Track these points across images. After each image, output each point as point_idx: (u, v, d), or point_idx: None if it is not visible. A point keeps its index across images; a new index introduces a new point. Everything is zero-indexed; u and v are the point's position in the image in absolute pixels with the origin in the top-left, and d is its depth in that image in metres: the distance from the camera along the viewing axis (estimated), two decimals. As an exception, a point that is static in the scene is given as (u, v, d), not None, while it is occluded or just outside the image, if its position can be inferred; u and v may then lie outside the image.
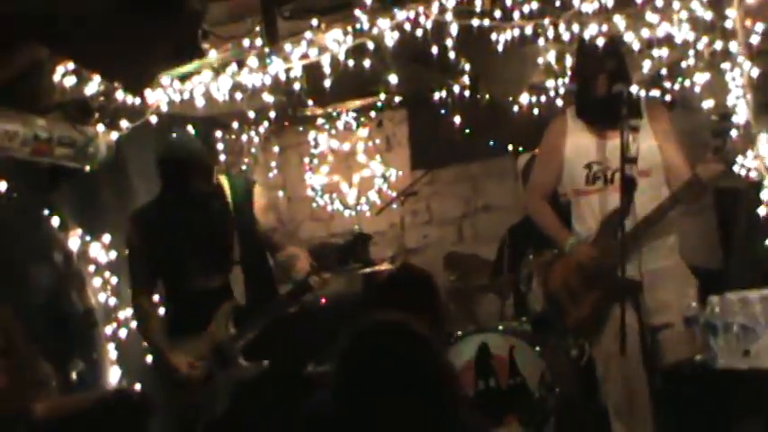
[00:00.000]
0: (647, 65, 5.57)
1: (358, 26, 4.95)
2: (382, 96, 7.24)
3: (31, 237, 5.62)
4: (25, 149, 5.17)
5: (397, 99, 7.80)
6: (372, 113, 8.45)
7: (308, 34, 5.02)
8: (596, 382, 4.92)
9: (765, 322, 4.02)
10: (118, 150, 5.87)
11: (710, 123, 4.87)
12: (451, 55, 5.18)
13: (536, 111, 6.89)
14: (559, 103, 6.59)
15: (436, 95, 7.05)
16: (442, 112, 7.20)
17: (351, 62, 5.15)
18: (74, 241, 5.84)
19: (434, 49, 5.08)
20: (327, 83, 5.19)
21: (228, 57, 5.19)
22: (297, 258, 4.84)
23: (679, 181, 4.56)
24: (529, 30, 5.01)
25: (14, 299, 4.97)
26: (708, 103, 5.31)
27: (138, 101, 5.44)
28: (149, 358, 5.48)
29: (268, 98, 5.59)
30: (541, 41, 5.25)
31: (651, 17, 4.91)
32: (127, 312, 5.79)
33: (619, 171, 4.37)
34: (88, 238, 5.92)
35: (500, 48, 5.16)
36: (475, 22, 4.92)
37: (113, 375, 5.88)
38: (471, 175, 8.51)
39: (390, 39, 4.94)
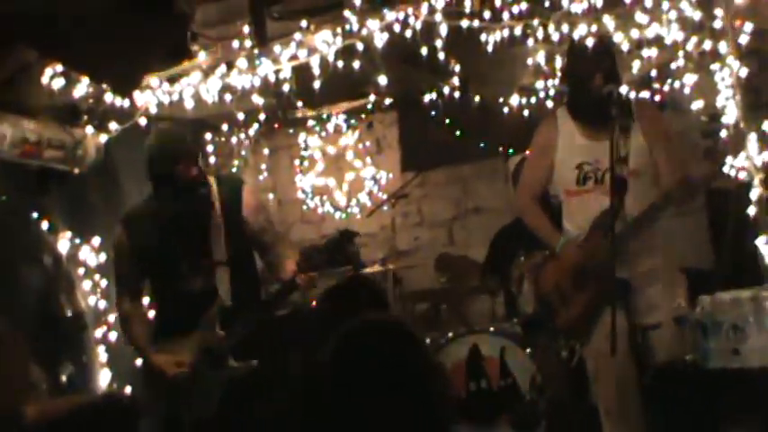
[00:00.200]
0: (636, 65, 5.57)
1: (347, 27, 4.96)
2: (372, 98, 7.24)
3: (21, 239, 5.60)
4: (14, 151, 5.16)
5: (387, 101, 7.80)
6: (362, 116, 8.45)
7: (297, 35, 5.02)
8: (587, 382, 4.91)
9: (755, 322, 4.02)
10: (107, 153, 5.85)
11: (700, 124, 4.88)
12: (441, 56, 5.19)
13: (526, 112, 6.89)
14: (549, 104, 6.60)
15: (426, 97, 7.05)
16: (432, 113, 7.20)
17: (340, 63, 5.14)
18: (63, 244, 5.83)
19: (424, 51, 5.08)
20: (317, 84, 5.19)
21: (218, 58, 5.18)
22: (285, 259, 4.83)
23: (669, 181, 4.56)
24: (518, 30, 5.02)
25: (4, 301, 4.95)
26: (697, 104, 5.31)
27: (126, 103, 5.44)
28: (138, 361, 5.47)
29: (258, 100, 5.58)
30: (531, 42, 5.25)
31: (640, 17, 4.92)
32: (116, 315, 5.78)
33: (609, 171, 4.37)
34: (78, 240, 5.90)
35: (490, 49, 5.17)
36: (464, 22, 4.93)
37: (103, 378, 5.87)
38: (462, 177, 8.52)
39: (380, 40, 4.94)
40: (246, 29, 5.04)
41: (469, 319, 7.17)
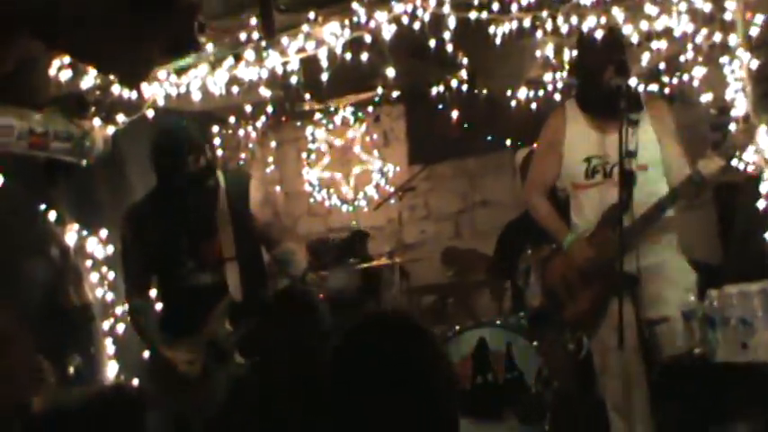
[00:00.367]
0: (645, 57, 5.55)
1: (355, 19, 4.93)
2: (380, 91, 7.23)
3: (28, 232, 5.60)
4: (21, 143, 5.15)
5: (395, 94, 7.80)
6: (370, 108, 8.45)
7: (305, 27, 5.00)
8: (594, 376, 4.90)
9: (764, 316, 4.00)
10: (114, 145, 5.85)
11: (709, 117, 4.85)
12: (449, 49, 5.17)
13: (534, 105, 6.87)
14: (558, 97, 6.58)
15: (434, 90, 7.04)
16: (440, 106, 7.19)
17: (348, 56, 5.13)
18: (71, 236, 5.82)
19: (432, 43, 5.07)
20: (324, 77, 5.17)
21: (225, 50, 5.16)
22: (294, 254, 4.82)
23: (678, 175, 4.54)
24: (527, 22, 5.00)
25: (11, 294, 4.95)
26: (706, 97, 5.29)
27: (134, 95, 5.43)
28: (146, 354, 5.47)
29: (265, 92, 5.57)
30: (539, 34, 5.23)
31: (650, 9, 4.90)
32: (124, 307, 5.77)
33: (618, 165, 4.35)
34: (85, 233, 5.90)
35: (498, 41, 5.14)
36: (473, 14, 4.91)
37: (111, 370, 5.87)
38: (469, 171, 8.51)
39: (388, 32, 4.92)
40: (254, 21, 5.02)
41: (476, 312, 7.17)
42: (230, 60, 5.22)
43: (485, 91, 6.99)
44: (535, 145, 5.33)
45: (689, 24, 5.01)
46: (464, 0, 4.86)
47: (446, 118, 7.26)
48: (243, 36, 5.10)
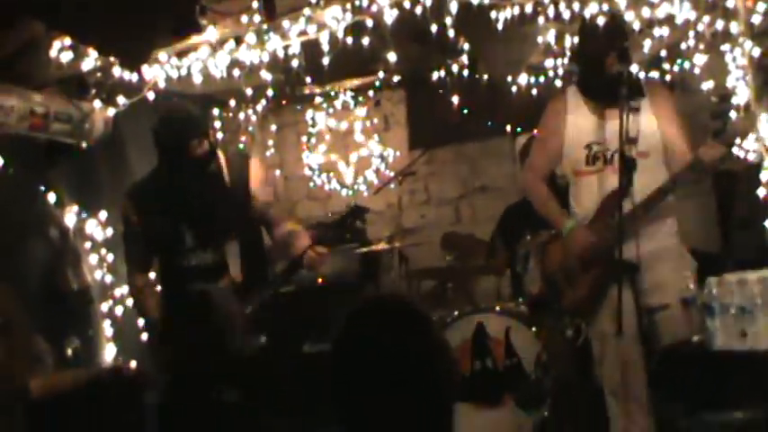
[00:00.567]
0: (647, 45, 5.54)
1: (357, 3, 4.92)
2: (380, 75, 7.21)
3: (27, 213, 5.60)
4: (22, 124, 5.15)
5: (396, 78, 7.78)
6: (370, 93, 8.43)
7: (306, 11, 4.99)
8: (592, 362, 4.91)
9: (763, 304, 4.01)
10: (115, 127, 5.84)
11: (710, 105, 4.85)
12: (451, 34, 5.16)
13: (535, 91, 6.87)
14: (558, 83, 6.57)
15: (435, 75, 7.02)
16: (441, 92, 7.18)
17: (349, 40, 5.12)
18: (70, 218, 5.83)
19: (434, 28, 5.06)
20: (326, 61, 5.17)
21: (226, 33, 5.15)
22: (296, 236, 4.81)
23: (678, 162, 4.53)
24: (529, 8, 4.99)
25: (10, 275, 4.95)
26: (707, 85, 5.29)
27: (135, 77, 5.42)
28: (144, 336, 5.48)
29: (266, 76, 5.56)
30: (541, 20, 5.22)
31: (652, -4, 4.90)
32: (123, 289, 5.78)
33: (618, 152, 4.35)
34: (84, 214, 5.91)
35: (499, 27, 5.14)
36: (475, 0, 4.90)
37: (109, 352, 5.88)
38: (469, 156, 8.51)
39: (389, 16, 4.91)
40: (255, 3, 5.01)
41: (475, 297, 7.17)
42: (232, 43, 5.21)
43: (486, 76, 6.97)
44: (535, 131, 5.32)
45: (691, 12, 5.01)
46: (466, -15, 4.85)
47: (447, 103, 7.25)
48: (244, 19, 5.09)
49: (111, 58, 5.25)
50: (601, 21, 4.64)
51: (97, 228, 5.94)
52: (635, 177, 4.33)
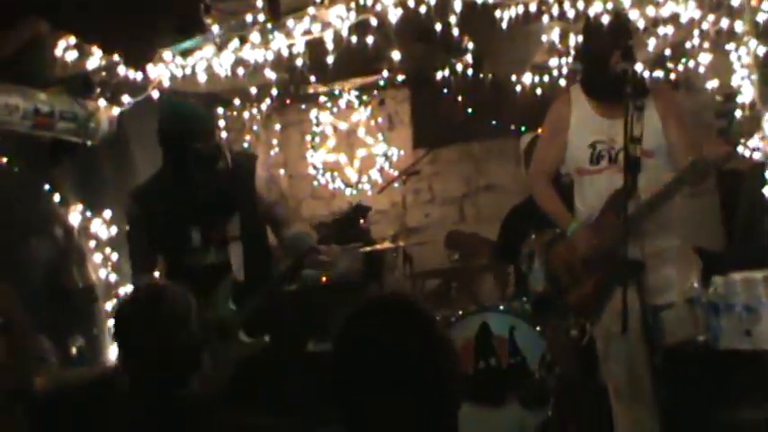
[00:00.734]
0: (652, 43, 5.53)
1: (361, 2, 4.92)
2: (385, 74, 7.22)
3: (32, 211, 5.61)
4: (26, 123, 5.16)
5: (400, 77, 7.78)
6: (375, 92, 8.44)
7: (311, 10, 4.99)
8: (597, 362, 4.90)
9: (768, 303, 4.01)
10: (119, 126, 5.85)
11: (715, 104, 4.84)
12: (455, 32, 5.16)
13: (539, 90, 6.86)
14: (563, 82, 6.57)
15: (439, 74, 7.03)
16: (445, 91, 7.18)
17: (354, 39, 5.12)
18: (74, 217, 5.83)
19: (438, 27, 5.05)
20: (330, 59, 5.16)
21: (231, 32, 5.15)
22: (302, 241, 4.80)
23: (684, 162, 4.52)
24: (533, 7, 4.98)
25: (14, 273, 4.96)
26: (712, 84, 5.28)
27: (139, 76, 5.42)
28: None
29: (270, 74, 5.56)
30: (546, 19, 5.21)
31: (657, -5, 4.89)
32: (127, 288, 5.78)
33: (623, 151, 4.34)
34: (89, 213, 5.91)
35: (504, 25, 5.13)
36: (479, -2, 4.90)
37: (113, 351, 5.88)
38: (473, 155, 8.52)
39: (394, 15, 4.91)
40: (260, 2, 5.01)
41: (479, 296, 7.17)
42: (236, 42, 5.21)
43: (490, 75, 6.97)
44: (540, 130, 5.32)
45: (696, 10, 5.00)
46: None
47: (451, 102, 7.26)
48: (249, 18, 5.09)
49: (116, 57, 5.26)
50: (605, 19, 4.63)
51: (102, 226, 5.94)
52: (639, 176, 4.33)
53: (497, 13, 5.08)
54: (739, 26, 4.80)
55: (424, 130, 8.56)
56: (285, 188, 8.95)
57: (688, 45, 5.60)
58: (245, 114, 8.15)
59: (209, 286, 4.66)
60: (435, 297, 7.34)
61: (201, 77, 5.39)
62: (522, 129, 7.24)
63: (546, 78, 6.83)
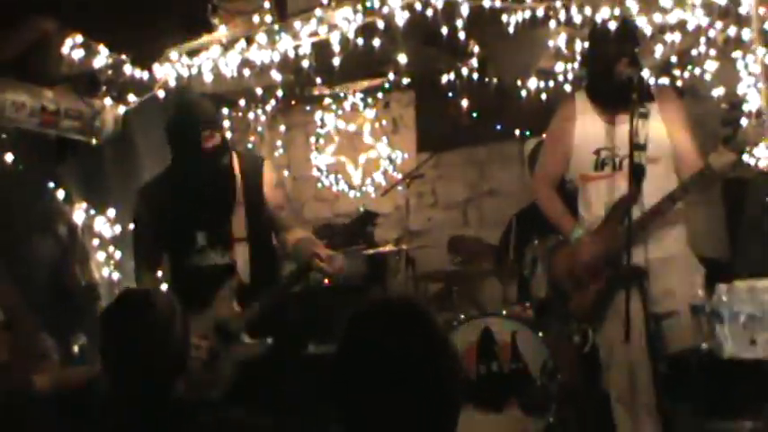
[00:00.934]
0: (658, 50, 5.53)
1: (368, 4, 4.92)
2: (390, 77, 7.22)
3: (36, 209, 5.61)
4: (32, 120, 5.17)
5: (405, 81, 7.78)
6: (380, 95, 8.43)
7: (317, 11, 4.99)
8: (599, 368, 4.89)
9: (773, 312, 4.00)
10: (125, 124, 5.85)
11: (720, 112, 4.84)
12: (461, 36, 5.15)
13: (544, 96, 6.85)
14: (568, 88, 6.56)
15: (444, 78, 7.02)
16: (450, 94, 7.17)
17: (360, 41, 5.12)
18: (78, 215, 5.84)
19: (444, 30, 5.05)
20: (336, 62, 5.17)
21: (237, 33, 5.16)
22: (306, 242, 4.80)
23: (689, 169, 4.51)
24: (540, 12, 4.98)
25: (17, 271, 4.96)
26: (718, 92, 5.27)
27: (146, 75, 5.42)
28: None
29: (276, 76, 5.56)
30: (552, 24, 5.21)
31: (664, 1, 4.88)
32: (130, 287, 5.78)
33: (627, 157, 4.34)
34: (93, 211, 5.91)
35: (510, 30, 5.13)
36: (486, 2, 4.89)
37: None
38: (477, 159, 8.50)
39: (400, 18, 4.91)
40: (267, 4, 5.02)
41: (482, 301, 7.16)
42: (242, 43, 5.21)
43: (495, 80, 6.97)
44: (544, 135, 5.32)
45: (703, 18, 4.99)
46: (478, -12, 4.85)
47: (456, 106, 7.25)
48: (255, 19, 5.09)
49: (123, 56, 5.27)
50: (612, 25, 4.63)
51: (105, 225, 5.94)
52: (644, 183, 4.32)
53: (504, 18, 5.08)
54: (746, 34, 4.78)
55: (428, 134, 8.55)
56: (289, 190, 8.95)
57: (694, 52, 5.58)
58: (251, 115, 8.14)
59: (213, 287, 4.67)
60: (437, 301, 7.32)
61: (207, 77, 5.39)
62: (527, 134, 7.24)
63: (551, 84, 6.81)
